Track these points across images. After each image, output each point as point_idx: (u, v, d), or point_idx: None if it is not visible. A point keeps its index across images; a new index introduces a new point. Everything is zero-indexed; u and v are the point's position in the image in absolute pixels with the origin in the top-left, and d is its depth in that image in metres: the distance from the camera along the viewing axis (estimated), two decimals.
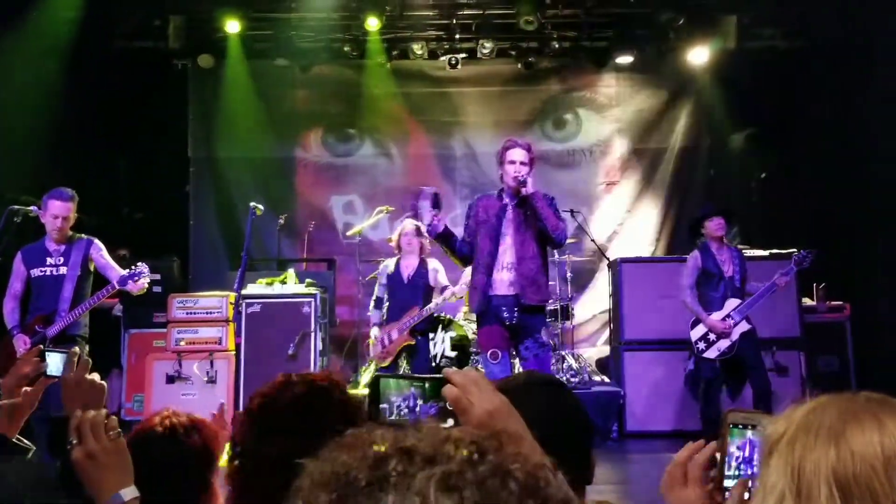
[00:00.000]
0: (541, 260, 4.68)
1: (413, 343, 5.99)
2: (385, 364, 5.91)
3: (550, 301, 4.86)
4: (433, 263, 6.15)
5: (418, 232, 5.97)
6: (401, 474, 0.60)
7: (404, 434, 0.65)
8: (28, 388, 1.96)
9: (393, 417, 1.17)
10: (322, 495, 0.61)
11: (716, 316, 5.67)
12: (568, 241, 7.66)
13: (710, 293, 5.74)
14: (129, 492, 1.47)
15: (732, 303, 5.68)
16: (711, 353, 5.68)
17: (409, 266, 6.07)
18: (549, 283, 4.86)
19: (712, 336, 5.67)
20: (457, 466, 0.60)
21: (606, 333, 8.47)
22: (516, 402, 1.24)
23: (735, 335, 5.63)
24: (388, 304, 6.10)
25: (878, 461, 0.88)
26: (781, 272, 5.71)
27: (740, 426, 1.28)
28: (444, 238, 4.68)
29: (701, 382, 5.78)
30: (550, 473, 0.63)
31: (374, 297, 6.22)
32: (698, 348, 5.72)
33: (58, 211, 4.99)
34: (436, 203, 4.59)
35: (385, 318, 6.11)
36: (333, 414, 1.45)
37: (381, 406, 1.17)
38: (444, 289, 6.03)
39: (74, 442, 1.48)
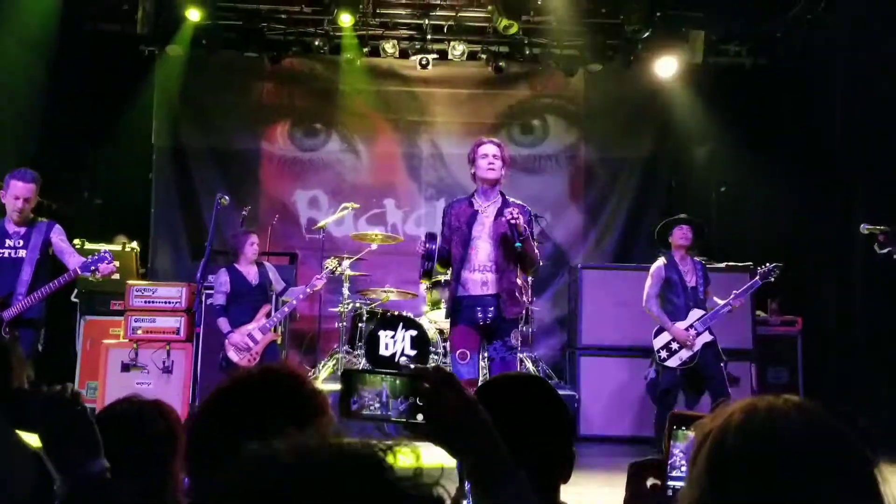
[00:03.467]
0: (518, 269, 4.77)
1: (277, 338, 6.20)
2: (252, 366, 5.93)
3: (524, 309, 4.96)
4: (268, 266, 6.47)
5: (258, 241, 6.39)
6: None
7: None
8: None
9: (365, 412, 1.19)
10: None
11: (680, 325, 5.77)
12: (535, 243, 7.75)
13: (673, 302, 5.85)
14: (99, 464, 1.49)
15: (696, 313, 5.80)
16: (673, 362, 5.78)
17: (250, 271, 6.27)
18: (526, 291, 4.93)
19: (675, 345, 5.77)
20: None
21: (564, 338, 8.57)
22: (506, 398, 1.28)
23: (697, 345, 5.75)
24: (231, 309, 6.12)
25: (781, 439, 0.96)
26: (737, 292, 5.86)
27: (683, 428, 1.33)
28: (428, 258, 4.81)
29: (659, 390, 5.88)
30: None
31: (217, 306, 6.07)
32: (660, 356, 5.80)
33: (19, 192, 4.92)
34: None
35: (232, 322, 6.10)
36: (288, 401, 1.45)
37: (352, 400, 1.19)
38: (283, 290, 6.40)
39: (42, 417, 1.49)
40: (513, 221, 4.49)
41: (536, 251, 4.83)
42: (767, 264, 5.96)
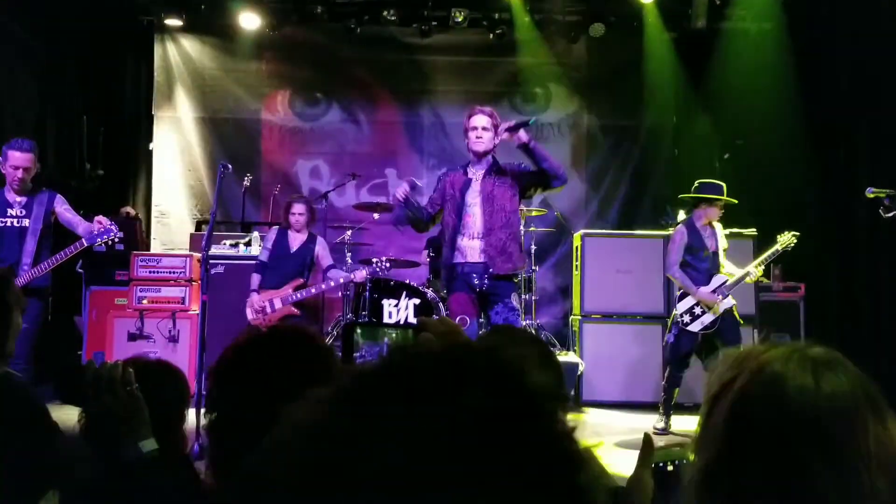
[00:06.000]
0: (511, 229, 4.73)
1: (297, 314, 6.14)
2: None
3: (522, 268, 4.94)
4: (320, 240, 6.41)
5: (308, 210, 6.29)
6: None
7: None
8: None
9: None
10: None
11: (704, 290, 5.78)
12: (533, 213, 7.75)
13: (697, 268, 5.83)
14: (148, 444, 1.51)
15: (719, 279, 5.80)
16: (695, 327, 5.78)
17: (297, 238, 6.28)
18: (522, 251, 4.89)
19: (698, 310, 5.77)
20: None
21: (566, 305, 8.60)
22: (504, 345, 1.29)
23: (721, 310, 5.75)
24: (267, 270, 6.22)
25: (810, 406, 0.92)
26: (759, 260, 5.86)
27: None
28: (408, 205, 4.77)
29: (680, 354, 5.87)
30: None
31: (257, 261, 6.30)
32: (683, 321, 5.79)
33: (18, 161, 4.91)
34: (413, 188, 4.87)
35: (261, 283, 6.21)
36: (303, 360, 1.46)
37: (356, 355, 1.19)
38: (329, 267, 6.31)
39: (92, 396, 1.50)
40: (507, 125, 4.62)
41: (541, 149, 4.74)
42: (786, 233, 5.94)
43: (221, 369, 1.51)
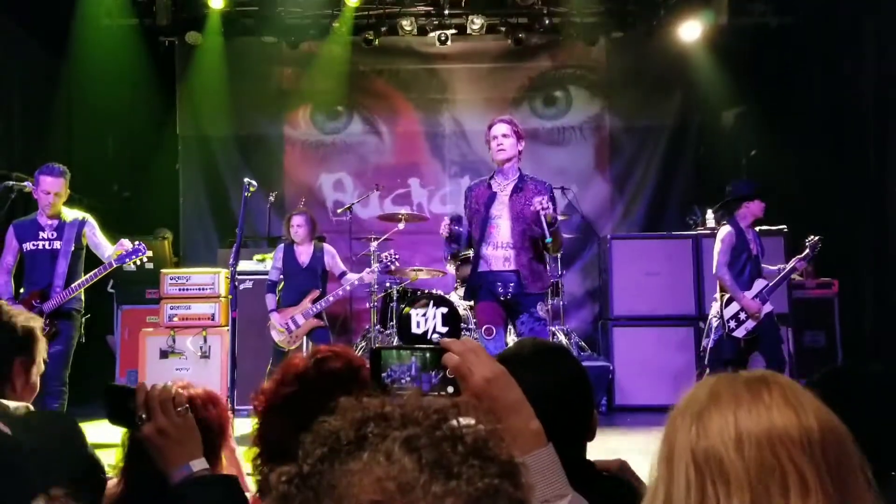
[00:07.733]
0: (537, 249, 4.73)
1: (322, 325, 6.17)
2: (292, 348, 6.07)
3: (551, 285, 4.99)
4: (328, 248, 6.41)
5: (308, 221, 6.28)
6: (375, 435, 0.70)
7: (384, 401, 0.75)
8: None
9: (397, 386, 1.20)
10: (317, 449, 0.71)
11: (747, 294, 5.68)
12: (560, 218, 7.70)
13: (739, 271, 5.74)
14: (198, 463, 1.53)
15: (760, 283, 5.71)
16: (740, 332, 5.69)
17: (304, 252, 6.28)
18: (547, 268, 4.90)
19: (742, 315, 5.68)
20: (419, 430, 0.69)
21: (595, 309, 8.55)
22: (525, 369, 1.28)
23: (761, 315, 5.67)
24: (282, 287, 6.27)
25: (730, 439, 0.90)
26: (800, 257, 5.77)
27: None
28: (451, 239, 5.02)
29: (718, 358, 5.73)
30: (498, 439, 0.72)
31: (268, 282, 6.33)
32: (729, 327, 5.69)
33: (49, 186, 5.03)
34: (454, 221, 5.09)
35: (279, 301, 6.24)
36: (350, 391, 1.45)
37: (384, 375, 1.20)
38: (342, 274, 6.33)
39: (144, 417, 1.53)
40: (542, 212, 4.39)
41: (561, 234, 4.82)
42: (812, 237, 5.84)
43: (272, 407, 1.52)
